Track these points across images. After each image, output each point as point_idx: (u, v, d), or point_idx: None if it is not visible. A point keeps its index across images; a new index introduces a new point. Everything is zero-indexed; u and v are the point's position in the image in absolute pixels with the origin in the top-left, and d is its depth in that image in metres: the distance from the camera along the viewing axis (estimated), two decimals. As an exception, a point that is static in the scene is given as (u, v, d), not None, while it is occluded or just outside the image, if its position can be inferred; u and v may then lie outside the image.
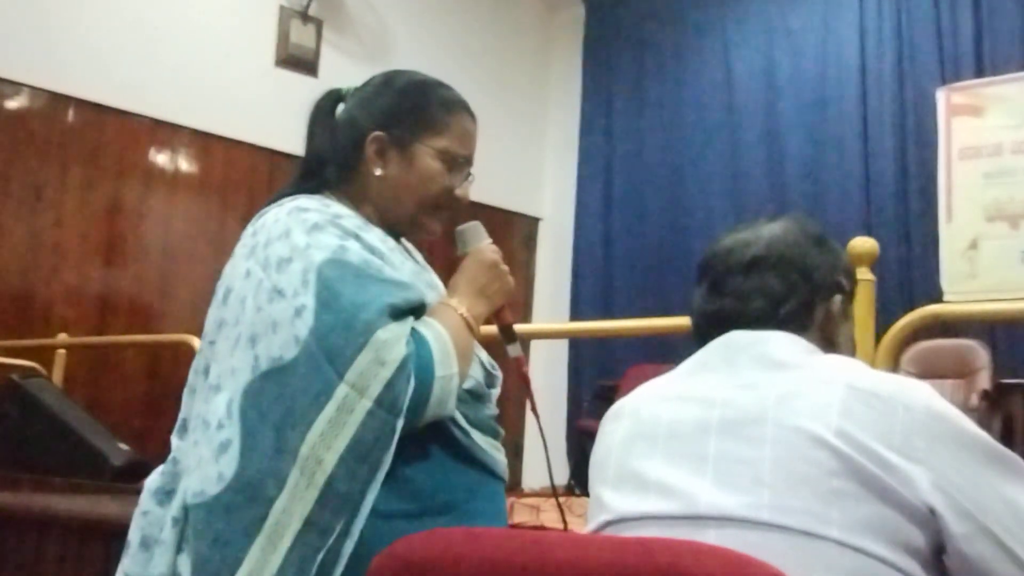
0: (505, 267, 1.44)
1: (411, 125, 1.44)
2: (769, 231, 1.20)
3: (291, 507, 1.22)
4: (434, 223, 1.48)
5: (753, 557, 0.87)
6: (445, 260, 1.51)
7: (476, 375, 1.40)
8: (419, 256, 1.56)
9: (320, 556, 1.19)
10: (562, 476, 5.61)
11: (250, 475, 1.26)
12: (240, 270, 1.36)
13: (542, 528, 2.32)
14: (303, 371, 1.24)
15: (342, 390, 1.21)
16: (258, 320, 1.29)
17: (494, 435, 1.41)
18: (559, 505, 1.52)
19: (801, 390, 1.04)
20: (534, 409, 1.49)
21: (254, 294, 1.31)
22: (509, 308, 1.47)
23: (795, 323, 1.15)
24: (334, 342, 1.23)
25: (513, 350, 1.47)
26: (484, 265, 1.42)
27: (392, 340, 1.23)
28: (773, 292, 1.15)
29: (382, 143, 1.44)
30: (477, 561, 0.97)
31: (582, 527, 1.22)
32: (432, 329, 1.29)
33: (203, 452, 1.31)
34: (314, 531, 1.20)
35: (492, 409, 1.44)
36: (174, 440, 1.43)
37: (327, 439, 1.21)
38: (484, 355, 1.47)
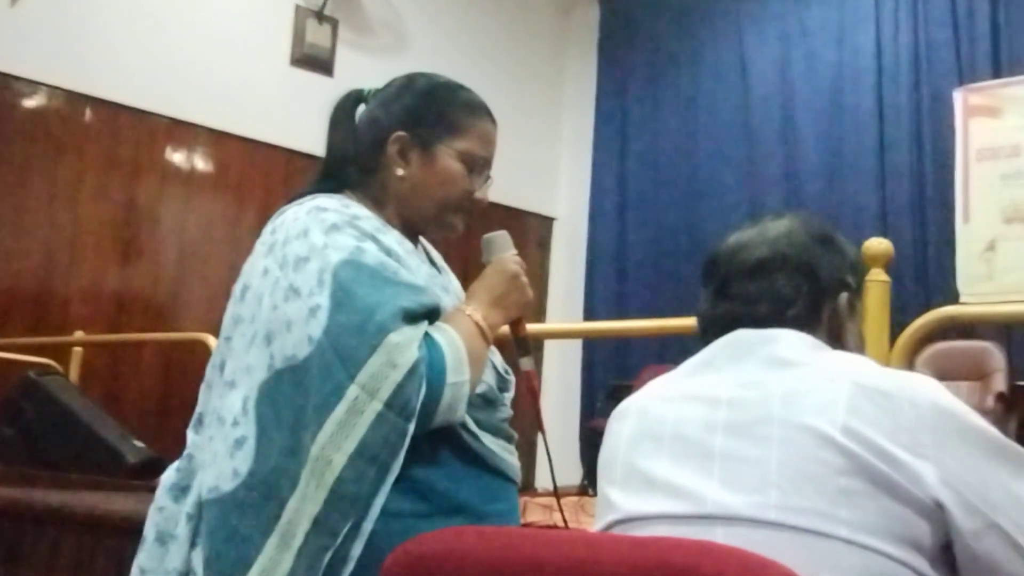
0: (526, 279, 1.43)
1: (433, 126, 1.44)
2: (774, 231, 1.19)
3: (302, 507, 1.22)
4: (455, 222, 1.48)
5: (767, 558, 0.87)
6: (461, 263, 1.51)
7: (488, 380, 1.39)
8: (438, 258, 1.57)
9: (328, 556, 1.19)
10: (575, 476, 5.60)
11: (265, 473, 1.26)
12: (258, 268, 1.37)
13: (554, 527, 2.32)
14: (315, 371, 1.24)
15: (352, 391, 1.21)
16: (274, 318, 1.30)
17: (507, 439, 1.41)
18: (560, 510, 1.52)
19: (806, 388, 1.04)
20: (540, 427, 1.49)
21: (271, 292, 1.32)
22: (526, 320, 1.46)
23: (803, 323, 1.14)
24: (346, 343, 1.23)
25: (526, 363, 1.46)
26: (505, 275, 1.41)
27: (404, 343, 1.23)
28: (779, 295, 1.15)
29: (404, 143, 1.44)
30: (489, 559, 0.97)
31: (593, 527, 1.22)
32: (446, 335, 1.29)
33: (218, 448, 1.32)
34: (323, 531, 1.20)
35: (505, 413, 1.44)
36: (190, 434, 1.44)
37: (336, 440, 1.21)
38: (498, 359, 1.47)
